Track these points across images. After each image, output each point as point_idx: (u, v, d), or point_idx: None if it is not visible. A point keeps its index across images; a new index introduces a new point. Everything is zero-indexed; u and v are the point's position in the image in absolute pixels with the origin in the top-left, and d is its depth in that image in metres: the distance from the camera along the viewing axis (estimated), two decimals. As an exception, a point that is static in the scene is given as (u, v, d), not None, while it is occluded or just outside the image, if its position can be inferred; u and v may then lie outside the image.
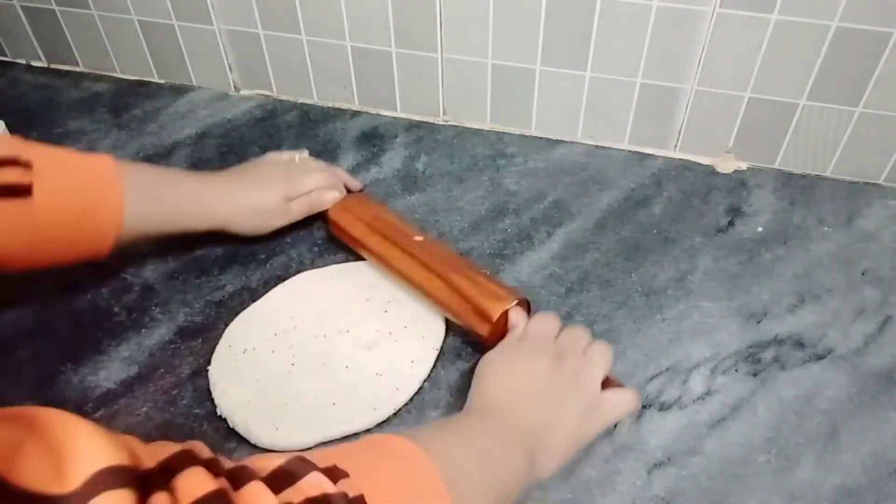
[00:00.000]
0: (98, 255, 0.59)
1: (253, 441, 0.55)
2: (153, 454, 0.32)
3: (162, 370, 0.60)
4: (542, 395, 0.50)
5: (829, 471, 0.53)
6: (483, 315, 0.58)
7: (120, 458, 0.28)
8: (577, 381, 0.51)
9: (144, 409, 0.58)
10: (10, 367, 0.61)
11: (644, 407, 0.57)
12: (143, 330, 0.64)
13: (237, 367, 0.60)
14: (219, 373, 0.60)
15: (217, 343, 0.62)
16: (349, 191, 0.74)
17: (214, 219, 0.65)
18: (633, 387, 0.55)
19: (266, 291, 0.66)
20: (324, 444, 0.55)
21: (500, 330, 0.58)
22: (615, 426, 0.55)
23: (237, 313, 0.64)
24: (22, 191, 0.52)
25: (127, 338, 0.63)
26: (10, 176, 0.52)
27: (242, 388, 0.58)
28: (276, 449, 0.54)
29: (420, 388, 0.59)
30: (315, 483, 0.35)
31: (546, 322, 0.56)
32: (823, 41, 0.68)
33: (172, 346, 0.62)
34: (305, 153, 0.76)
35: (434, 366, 0.60)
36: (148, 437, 0.55)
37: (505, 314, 0.58)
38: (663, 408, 0.57)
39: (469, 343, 0.62)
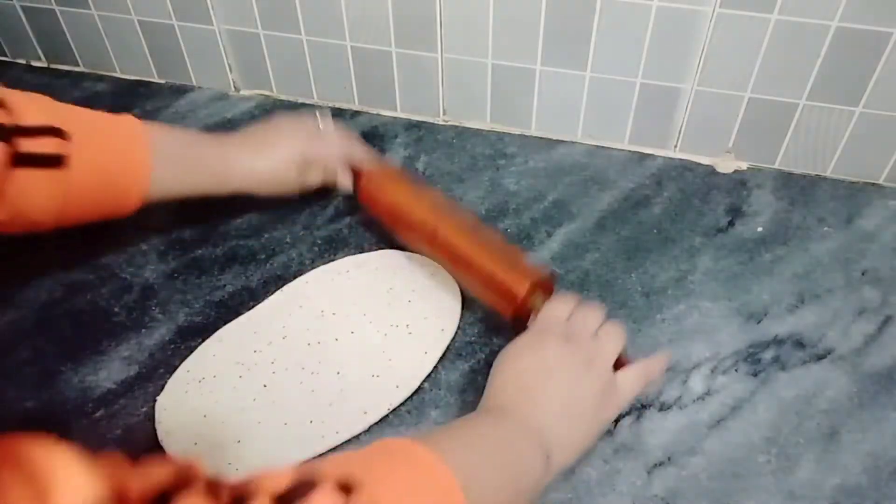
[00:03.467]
0: (123, 215, 0.62)
1: None
2: (145, 478, 0.30)
3: (162, 370, 0.60)
4: (552, 386, 0.49)
5: (829, 471, 0.53)
6: (507, 295, 0.57)
7: (106, 489, 0.27)
8: (588, 367, 0.49)
9: (144, 409, 0.58)
10: (10, 367, 0.61)
11: (644, 407, 0.57)
12: (143, 330, 0.64)
13: (186, 399, 0.57)
14: (164, 408, 0.56)
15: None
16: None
17: (233, 185, 0.67)
18: (650, 358, 0.54)
19: (266, 292, 0.66)
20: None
21: (525, 311, 0.57)
22: (616, 423, 0.55)
23: (238, 313, 0.64)
24: (60, 161, 0.55)
25: (127, 338, 0.63)
26: (49, 146, 0.55)
27: (188, 427, 0.55)
28: None
29: (419, 388, 0.59)
30: (327, 501, 0.33)
31: (557, 307, 0.55)
32: (823, 41, 0.68)
33: (172, 346, 0.62)
34: (327, 116, 0.74)
35: (434, 365, 0.60)
36: (148, 437, 0.56)
37: (528, 295, 0.56)
38: (663, 408, 0.57)
39: (469, 343, 0.62)
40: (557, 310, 0.54)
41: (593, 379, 0.49)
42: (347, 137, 0.72)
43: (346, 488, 0.35)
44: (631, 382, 0.51)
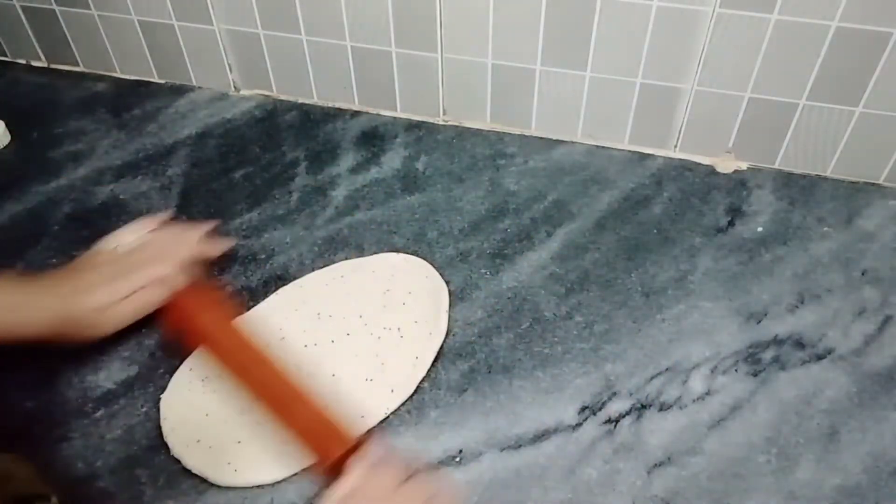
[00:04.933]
0: None
1: (213, 482, 0.53)
2: None
3: (162, 370, 0.60)
4: None
5: (829, 471, 0.53)
6: (329, 444, 0.51)
7: None
8: None
9: (144, 409, 0.58)
10: (10, 367, 0.61)
11: (644, 407, 0.57)
12: (143, 330, 0.64)
13: (190, 397, 0.57)
14: (170, 405, 0.57)
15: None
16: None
17: (23, 337, 0.57)
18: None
19: (266, 292, 0.66)
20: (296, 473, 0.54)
21: (338, 464, 0.51)
22: None
23: (238, 313, 0.64)
24: None
25: (127, 338, 0.63)
26: None
27: (192, 424, 0.55)
28: (239, 487, 0.53)
29: (418, 388, 0.59)
30: None
31: (378, 482, 0.47)
32: (823, 41, 0.68)
33: (173, 346, 0.62)
34: (141, 231, 0.63)
35: (433, 366, 0.60)
36: (148, 437, 0.56)
37: (347, 454, 0.50)
38: (663, 408, 0.57)
39: (469, 343, 0.62)
40: (377, 486, 0.47)
41: None
42: (162, 255, 0.62)
43: None
44: None
